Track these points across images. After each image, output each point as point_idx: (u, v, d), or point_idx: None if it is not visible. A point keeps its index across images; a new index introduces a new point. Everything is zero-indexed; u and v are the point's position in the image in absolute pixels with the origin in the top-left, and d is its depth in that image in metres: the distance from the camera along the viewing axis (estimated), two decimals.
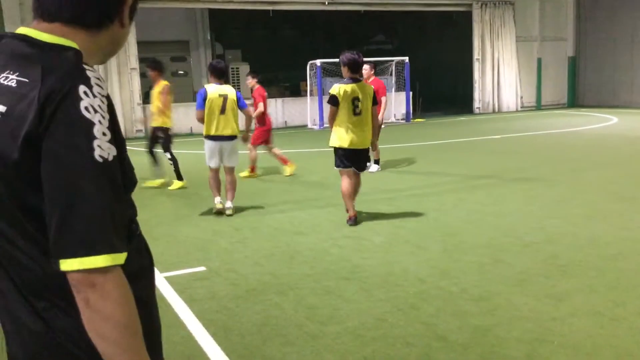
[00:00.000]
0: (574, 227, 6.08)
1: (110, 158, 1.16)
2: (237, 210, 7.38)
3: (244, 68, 25.60)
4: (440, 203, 7.62)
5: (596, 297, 4.13)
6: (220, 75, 7.32)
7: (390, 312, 4.01)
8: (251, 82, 10.50)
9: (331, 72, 22.82)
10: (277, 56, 27.81)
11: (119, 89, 19.47)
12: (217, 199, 7.32)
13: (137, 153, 15.84)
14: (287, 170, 10.19)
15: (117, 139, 1.21)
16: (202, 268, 5.12)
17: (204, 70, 25.99)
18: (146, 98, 22.81)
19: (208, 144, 7.24)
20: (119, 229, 1.19)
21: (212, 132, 7.13)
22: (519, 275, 4.64)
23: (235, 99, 7.19)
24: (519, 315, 3.87)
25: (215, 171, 7.35)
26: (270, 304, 4.23)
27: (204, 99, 7.09)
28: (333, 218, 6.89)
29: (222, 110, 7.06)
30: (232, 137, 7.18)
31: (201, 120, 7.14)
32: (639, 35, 23.70)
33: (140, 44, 20.40)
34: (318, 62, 20.67)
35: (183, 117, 21.08)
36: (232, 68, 25.61)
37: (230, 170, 7.33)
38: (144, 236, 1.46)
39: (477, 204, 7.50)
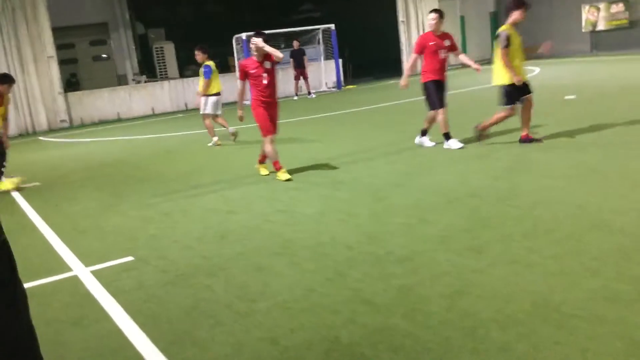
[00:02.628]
0: (497, 180, 6.29)
1: None
2: (166, 194, 7.27)
3: (169, 47, 24.95)
4: (371, 168, 7.73)
5: (514, 246, 4.31)
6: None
7: (319, 282, 4.07)
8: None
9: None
10: (202, 32, 27.17)
11: (36, 78, 18.65)
12: (215, 138, 11.23)
13: (64, 145, 15.34)
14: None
15: None
16: (130, 258, 5.03)
17: (126, 52, 25.19)
18: (69, 86, 22.03)
19: (212, 99, 11.14)
20: None
21: (215, 91, 11.13)
22: (442, 232, 4.79)
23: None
24: (441, 271, 4.00)
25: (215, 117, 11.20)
26: (200, 287, 4.21)
27: (212, 71, 11.01)
28: (264, 194, 6.88)
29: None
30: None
31: (208, 85, 11.01)
32: None
33: (56, 30, 19.57)
34: (244, 35, 20.34)
35: (107, 104, 20.42)
36: (156, 48, 24.91)
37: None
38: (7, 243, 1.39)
39: (407, 165, 7.64)
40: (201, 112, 11.38)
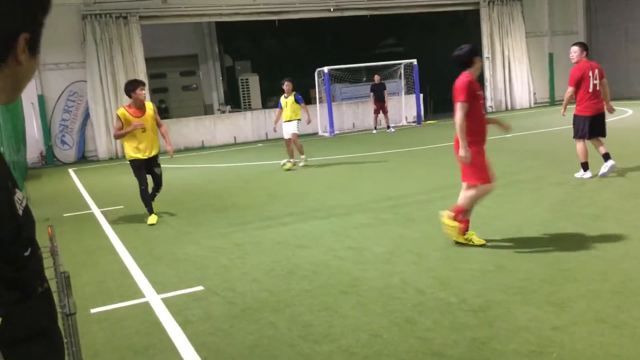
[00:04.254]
0: (581, 227, 5.92)
1: None
2: (239, 224, 7.34)
3: (254, 78, 25.70)
4: (445, 208, 7.48)
5: (599, 303, 3.98)
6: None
7: (385, 327, 3.91)
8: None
9: (339, 79, 22.79)
10: (285, 65, 27.85)
11: None
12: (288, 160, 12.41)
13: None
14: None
15: None
16: (200, 287, 5.07)
17: (213, 83, 26.16)
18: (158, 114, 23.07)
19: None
20: None
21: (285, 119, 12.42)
22: (521, 282, 4.51)
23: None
24: (519, 325, 3.75)
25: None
26: (265, 323, 4.15)
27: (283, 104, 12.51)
28: (335, 229, 6.81)
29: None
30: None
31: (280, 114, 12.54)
32: None
33: (149, 60, 20.58)
34: (326, 69, 20.64)
35: (193, 132, 21.14)
36: (241, 79, 25.71)
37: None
38: (49, 291, 1.34)
39: (484, 207, 7.33)
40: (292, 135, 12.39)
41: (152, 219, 7.99)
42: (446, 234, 5.66)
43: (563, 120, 17.14)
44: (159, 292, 5.05)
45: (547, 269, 4.79)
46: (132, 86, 7.74)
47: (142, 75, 19.80)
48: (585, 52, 8.64)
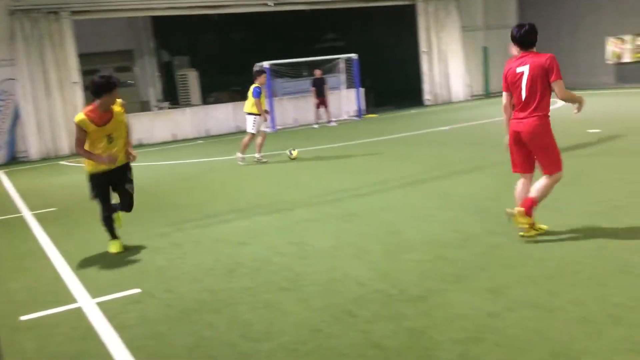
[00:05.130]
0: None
1: None
2: (178, 223, 7.18)
3: (193, 74, 25.24)
4: (387, 201, 7.58)
5: (534, 289, 4.10)
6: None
7: (326, 321, 3.90)
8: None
9: (280, 74, 22.66)
10: (226, 60, 27.47)
11: (61, 103, 18.89)
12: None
13: (84, 170, 15.36)
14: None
15: None
16: (137, 290, 4.92)
17: (150, 79, 25.54)
18: None
19: (258, 119, 11.96)
20: None
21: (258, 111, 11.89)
22: (458, 271, 4.60)
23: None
24: (456, 313, 3.81)
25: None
26: (204, 324, 4.06)
27: (260, 93, 11.91)
28: (277, 224, 6.76)
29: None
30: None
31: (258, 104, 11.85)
32: (580, 18, 24.26)
33: (82, 56, 19.87)
34: (266, 63, 20.47)
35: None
36: (180, 75, 25.21)
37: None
38: None
39: (423, 199, 7.47)
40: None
41: (115, 246, 6.18)
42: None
43: (497, 111, 17.62)
44: (93, 296, 4.87)
45: (483, 257, 4.90)
46: (107, 86, 5.79)
47: (75, 73, 19.13)
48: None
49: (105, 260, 5.96)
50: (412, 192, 7.90)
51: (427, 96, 25.19)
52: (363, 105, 22.99)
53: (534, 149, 5.24)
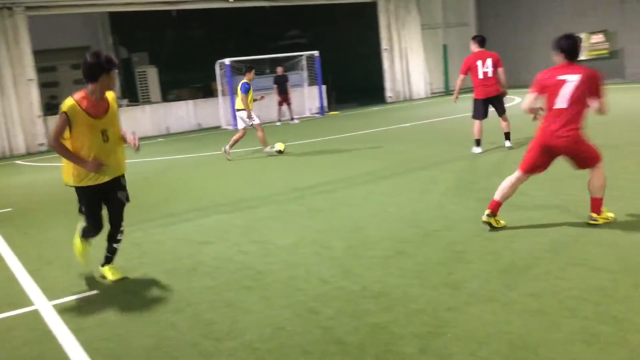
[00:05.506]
0: (474, 211, 6.18)
1: None
2: (138, 223, 7.06)
3: (152, 71, 24.85)
4: (349, 197, 7.61)
5: (491, 283, 4.18)
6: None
7: (289, 319, 3.90)
8: None
9: (242, 70, 22.50)
10: (186, 57, 27.13)
11: (16, 101, 18.39)
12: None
13: (41, 169, 15.01)
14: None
15: None
16: (95, 291, 4.83)
17: None
18: (48, 109, 21.80)
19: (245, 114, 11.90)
20: None
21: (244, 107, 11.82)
22: (419, 267, 4.65)
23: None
24: (416, 308, 3.86)
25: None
26: (165, 325, 4.02)
27: (248, 89, 11.86)
28: (240, 223, 6.72)
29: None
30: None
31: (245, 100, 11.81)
32: (537, 16, 24.79)
33: (38, 53, 19.37)
34: (227, 60, 20.31)
35: None
36: (139, 72, 24.79)
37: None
38: None
39: (385, 195, 7.54)
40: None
41: (110, 272, 5.03)
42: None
43: (457, 108, 17.92)
44: (50, 298, 4.76)
45: (443, 252, 4.97)
46: (105, 64, 4.57)
47: (30, 70, 18.62)
48: (477, 44, 9.70)
49: (62, 262, 5.83)
50: (374, 189, 7.96)
51: (388, 93, 25.40)
52: (325, 103, 23.03)
53: (574, 156, 5.24)
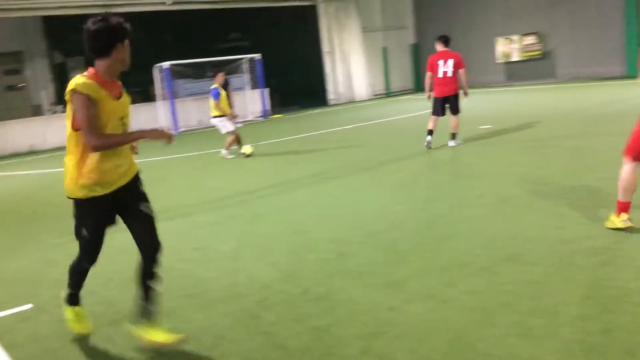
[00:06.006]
0: (415, 210, 6.30)
1: None
2: (70, 234, 6.82)
3: None
4: (292, 201, 7.60)
5: (430, 280, 4.25)
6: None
7: (230, 326, 3.85)
8: None
9: (182, 74, 22.15)
10: None
11: None
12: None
13: None
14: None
15: None
16: (29, 306, 4.64)
17: (41, 82, 24.20)
18: None
19: (225, 119, 11.66)
20: None
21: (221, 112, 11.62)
22: (360, 268, 4.69)
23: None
24: (358, 309, 3.88)
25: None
26: (102, 338, 3.89)
27: (218, 94, 11.61)
28: (180, 229, 6.61)
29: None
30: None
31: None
32: (473, 19, 25.48)
33: None
34: (166, 64, 19.96)
35: (20, 135, 19.52)
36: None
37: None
38: None
39: (328, 197, 7.57)
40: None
41: (78, 317, 3.96)
42: None
43: (399, 109, 18.16)
44: None
45: (383, 252, 5.03)
46: (121, 30, 3.52)
47: None
48: (442, 44, 10.16)
49: None
50: (318, 191, 7.98)
51: (331, 96, 25.57)
52: (268, 106, 22.96)
53: None
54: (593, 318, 3.39)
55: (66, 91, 3.37)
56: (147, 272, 3.74)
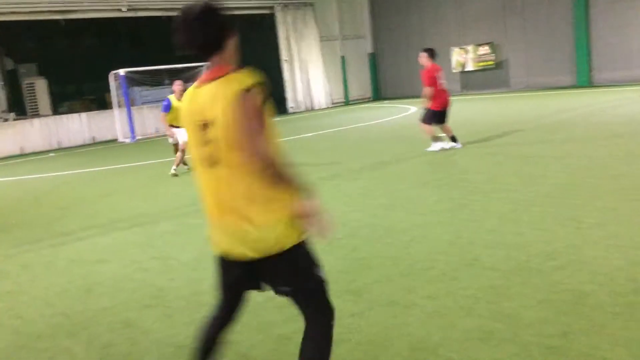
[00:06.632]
0: (374, 217, 6.36)
1: None
2: (27, 244, 6.64)
3: (41, 82, 23.56)
4: None
5: (391, 287, 4.30)
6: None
7: (192, 336, 3.79)
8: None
9: (139, 82, 21.83)
10: (78, 68, 25.92)
11: None
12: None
13: None
14: None
15: None
16: None
17: None
18: None
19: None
20: None
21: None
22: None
23: None
24: None
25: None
26: (59, 350, 3.79)
27: (168, 106, 11.10)
28: (138, 239, 6.49)
29: None
30: None
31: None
32: (427, 29, 25.95)
33: None
34: (122, 71, 19.65)
35: None
36: (26, 84, 23.43)
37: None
38: None
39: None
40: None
41: None
42: None
43: (357, 118, 18.32)
44: None
45: (344, 260, 5.05)
46: (229, 20, 2.62)
47: None
48: (431, 58, 10.35)
49: None
50: None
51: (290, 104, 25.61)
52: None
53: None
54: (551, 321, 3.49)
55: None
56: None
